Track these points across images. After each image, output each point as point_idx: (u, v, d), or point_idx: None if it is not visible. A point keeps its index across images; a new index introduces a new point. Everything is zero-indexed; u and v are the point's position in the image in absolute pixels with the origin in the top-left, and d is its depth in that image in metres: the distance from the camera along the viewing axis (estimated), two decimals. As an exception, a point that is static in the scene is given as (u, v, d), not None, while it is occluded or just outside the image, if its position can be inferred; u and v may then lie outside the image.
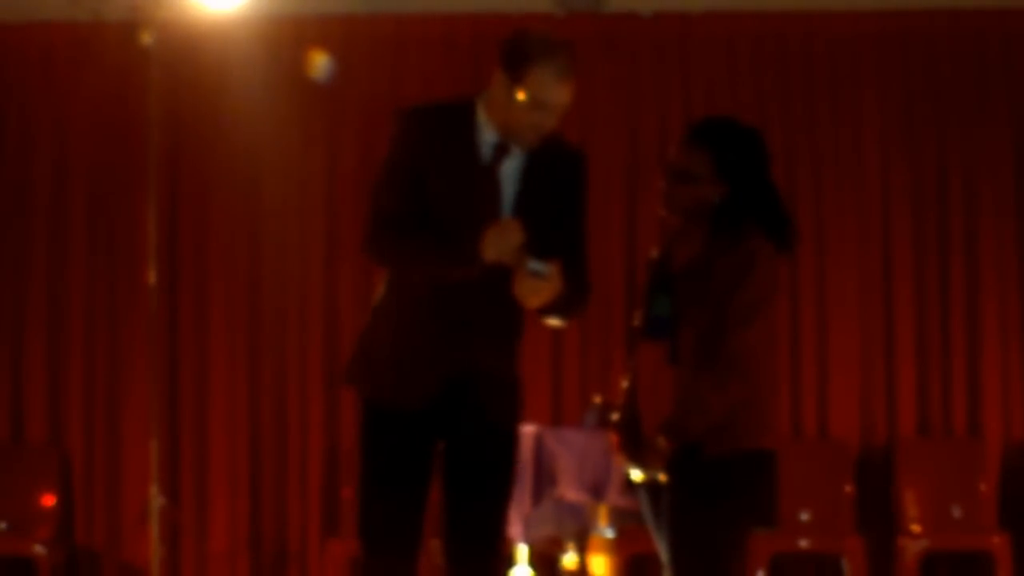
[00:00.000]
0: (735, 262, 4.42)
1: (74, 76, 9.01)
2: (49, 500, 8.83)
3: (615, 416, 4.69)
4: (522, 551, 7.65)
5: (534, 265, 4.28)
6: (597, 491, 7.34)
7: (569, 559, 7.65)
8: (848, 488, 8.78)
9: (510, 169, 4.44)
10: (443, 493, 4.55)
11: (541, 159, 4.45)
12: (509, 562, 4.29)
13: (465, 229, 4.31)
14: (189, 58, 8.71)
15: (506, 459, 4.52)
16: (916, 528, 8.67)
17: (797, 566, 8.76)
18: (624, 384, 4.67)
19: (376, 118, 8.44)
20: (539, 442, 7.47)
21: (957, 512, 8.73)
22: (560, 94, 4.36)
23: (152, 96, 7.97)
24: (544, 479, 7.43)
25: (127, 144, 8.86)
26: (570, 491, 7.35)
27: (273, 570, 8.90)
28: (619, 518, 7.42)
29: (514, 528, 7.51)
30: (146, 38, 7.88)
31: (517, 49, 4.37)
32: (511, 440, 4.52)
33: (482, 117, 4.42)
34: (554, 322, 4.61)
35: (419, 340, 4.41)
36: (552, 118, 4.39)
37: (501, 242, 4.26)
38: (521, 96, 4.34)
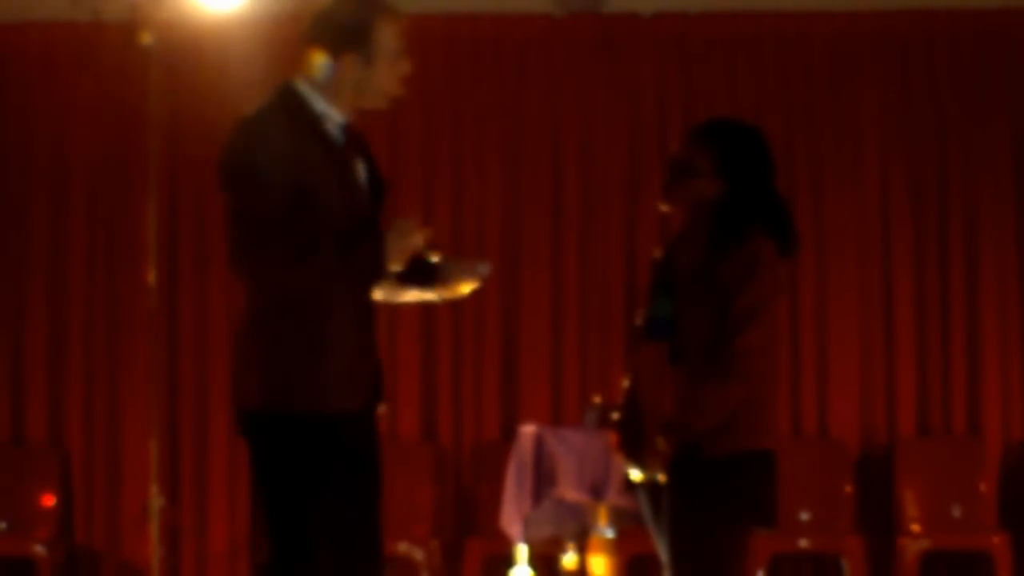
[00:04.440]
0: (738, 263, 4.42)
1: (74, 76, 9.01)
2: (49, 500, 8.83)
3: (615, 416, 4.70)
4: (522, 551, 7.65)
5: (482, 268, 4.43)
6: (597, 491, 7.34)
7: (569, 559, 7.65)
8: (848, 488, 8.78)
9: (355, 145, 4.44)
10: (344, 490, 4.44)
11: (356, 130, 4.45)
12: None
13: (346, 216, 4.28)
14: (189, 58, 8.71)
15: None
16: (916, 528, 8.67)
17: (797, 566, 8.76)
18: (624, 384, 4.67)
19: (375, 117, 8.43)
20: (539, 442, 7.47)
21: (957, 512, 8.74)
22: (404, 37, 4.37)
23: (152, 96, 7.97)
24: (544, 479, 7.43)
25: (127, 144, 8.87)
26: (570, 491, 7.35)
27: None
28: (619, 518, 7.42)
29: (514, 528, 7.52)
30: (146, 38, 7.88)
31: (353, 21, 4.32)
32: None
33: (319, 105, 4.36)
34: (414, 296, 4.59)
35: (357, 341, 4.36)
36: (407, 62, 4.39)
37: (403, 246, 4.26)
38: (378, 61, 4.32)
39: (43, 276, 9.05)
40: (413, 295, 4.54)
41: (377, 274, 4.26)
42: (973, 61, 9.05)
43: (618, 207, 9.04)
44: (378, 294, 4.48)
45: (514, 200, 9.09)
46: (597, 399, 7.86)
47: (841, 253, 8.98)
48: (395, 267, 4.26)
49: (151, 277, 7.94)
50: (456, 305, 8.96)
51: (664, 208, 4.62)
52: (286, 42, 8.78)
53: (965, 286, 8.97)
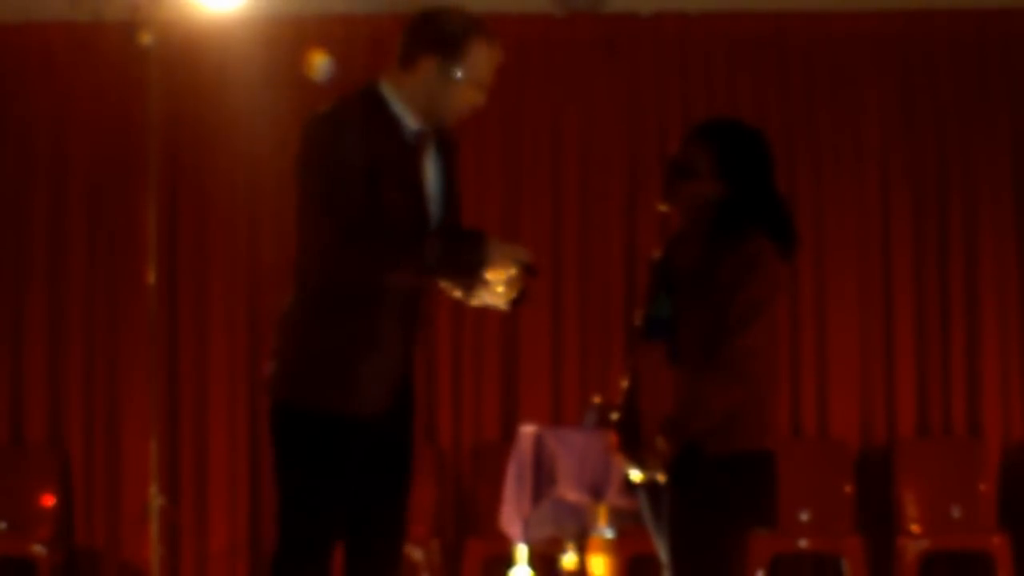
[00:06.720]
0: (737, 263, 4.41)
1: (74, 76, 9.01)
2: (49, 500, 8.83)
3: (615, 416, 4.70)
4: (522, 551, 7.65)
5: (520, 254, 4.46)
6: (597, 491, 7.34)
7: (569, 559, 7.65)
8: (848, 488, 8.78)
9: (430, 152, 4.44)
10: (363, 490, 4.44)
11: (443, 137, 4.47)
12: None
13: (408, 219, 4.33)
14: (189, 58, 8.72)
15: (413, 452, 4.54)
16: (916, 528, 8.67)
17: (797, 566, 8.76)
18: (624, 384, 4.67)
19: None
20: (539, 442, 7.47)
21: (957, 512, 8.74)
22: (494, 69, 4.39)
23: (152, 96, 7.97)
24: (544, 479, 7.43)
25: (127, 144, 8.86)
26: (570, 491, 7.35)
27: (273, 570, 8.89)
28: (619, 518, 7.42)
29: (514, 528, 7.51)
30: (146, 38, 7.88)
31: (450, 30, 4.34)
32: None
33: (397, 106, 4.37)
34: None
35: (389, 345, 4.36)
36: (485, 94, 4.40)
37: (507, 258, 4.34)
38: (460, 76, 4.33)
39: (43, 276, 9.04)
40: (481, 300, 4.51)
41: (464, 271, 4.31)
42: (973, 61, 9.05)
43: (618, 207, 9.04)
44: (458, 292, 4.48)
45: (514, 200, 9.09)
46: (597, 399, 7.86)
47: (841, 253, 8.98)
48: (489, 274, 4.33)
49: (151, 277, 7.94)
50: (456, 305, 8.95)
51: (663, 208, 4.62)
52: (286, 42, 8.88)
53: (965, 286, 8.97)
